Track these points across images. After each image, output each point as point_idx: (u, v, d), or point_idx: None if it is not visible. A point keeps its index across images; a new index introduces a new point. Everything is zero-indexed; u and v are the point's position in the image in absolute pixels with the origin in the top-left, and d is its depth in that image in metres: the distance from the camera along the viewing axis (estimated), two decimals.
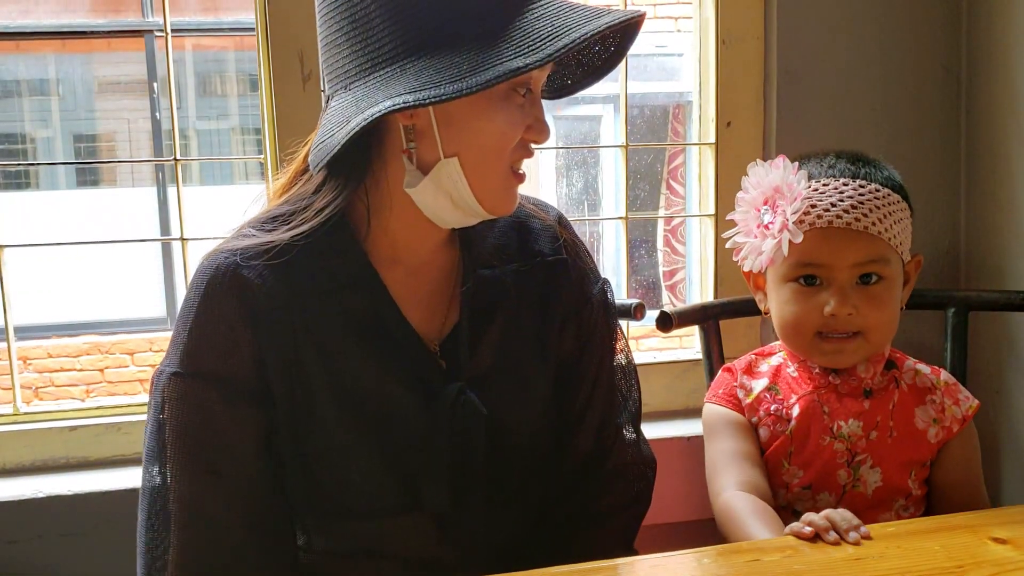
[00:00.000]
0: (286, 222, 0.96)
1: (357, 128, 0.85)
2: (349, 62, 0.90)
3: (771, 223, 1.12)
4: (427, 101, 0.83)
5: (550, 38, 0.86)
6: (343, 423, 0.96)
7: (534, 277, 1.06)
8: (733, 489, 1.11)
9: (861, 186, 1.12)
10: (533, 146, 0.96)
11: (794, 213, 1.10)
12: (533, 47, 0.85)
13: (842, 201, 1.11)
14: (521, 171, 0.97)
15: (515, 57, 0.85)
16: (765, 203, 1.14)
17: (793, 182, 1.11)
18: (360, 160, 0.94)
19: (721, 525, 1.10)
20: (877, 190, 1.12)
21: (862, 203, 1.10)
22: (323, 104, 0.97)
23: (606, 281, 1.12)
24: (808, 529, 0.93)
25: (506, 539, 1.05)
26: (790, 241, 1.10)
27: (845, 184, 1.12)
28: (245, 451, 0.95)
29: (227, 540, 0.95)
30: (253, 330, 0.94)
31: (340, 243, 0.96)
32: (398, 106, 0.83)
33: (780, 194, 1.12)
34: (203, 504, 0.94)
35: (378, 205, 0.97)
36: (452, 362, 1.00)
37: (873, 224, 1.10)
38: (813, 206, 1.11)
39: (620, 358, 1.13)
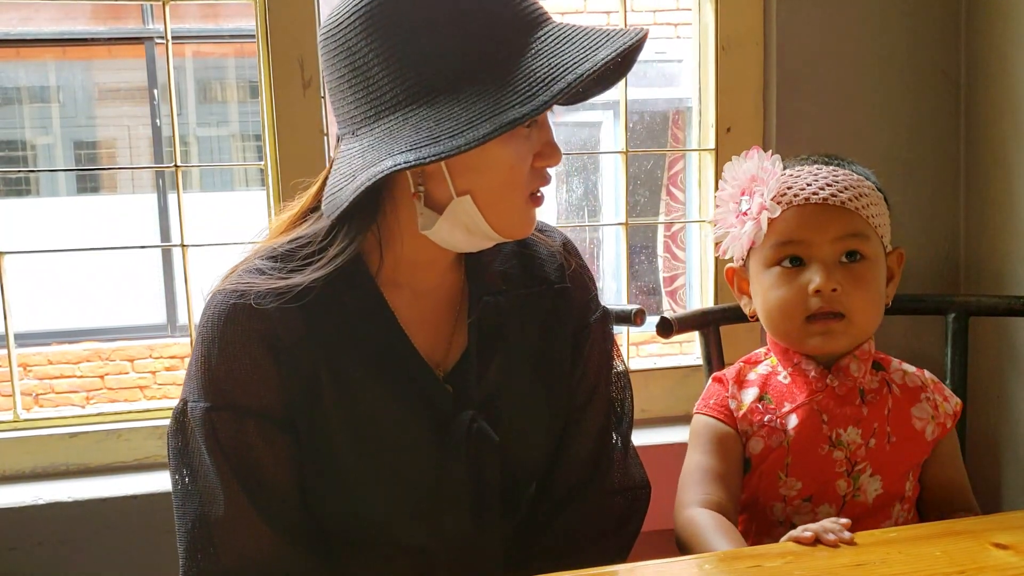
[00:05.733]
0: (299, 262, 0.96)
1: (362, 188, 0.88)
2: (354, 108, 0.92)
3: (749, 209, 1.14)
4: (426, 160, 0.85)
5: (549, 81, 0.86)
6: (358, 452, 0.98)
7: (539, 303, 1.07)
8: (696, 507, 1.11)
9: (834, 170, 1.15)
10: (549, 169, 0.96)
11: (771, 191, 1.12)
12: (532, 92, 0.86)
13: (816, 180, 1.13)
14: (539, 194, 0.97)
15: (513, 106, 0.86)
16: (743, 194, 1.16)
17: (768, 166, 1.14)
18: (371, 205, 0.96)
19: (680, 538, 1.10)
20: (849, 175, 1.15)
21: (837, 181, 1.13)
22: (335, 143, 0.98)
23: (605, 309, 1.14)
24: (808, 533, 0.93)
25: (513, 552, 1.07)
26: (770, 220, 1.11)
27: (819, 168, 1.15)
28: (280, 474, 0.96)
29: (265, 548, 0.95)
30: (275, 363, 0.95)
31: (352, 275, 0.97)
32: (399, 166, 0.86)
33: (756, 180, 1.14)
34: (241, 518, 0.94)
35: (390, 238, 0.98)
36: (459, 389, 1.01)
37: (850, 200, 1.12)
38: (789, 187, 1.13)
39: (616, 368, 1.14)
